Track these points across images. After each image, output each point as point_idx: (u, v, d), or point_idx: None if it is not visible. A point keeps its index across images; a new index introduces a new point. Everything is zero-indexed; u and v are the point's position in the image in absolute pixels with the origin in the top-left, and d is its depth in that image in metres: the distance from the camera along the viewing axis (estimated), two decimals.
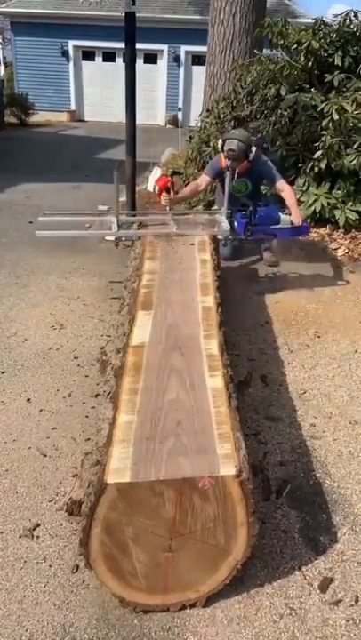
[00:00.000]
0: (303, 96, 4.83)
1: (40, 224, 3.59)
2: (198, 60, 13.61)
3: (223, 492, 1.45)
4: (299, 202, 5.07)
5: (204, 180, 4.02)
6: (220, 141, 3.78)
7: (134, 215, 3.98)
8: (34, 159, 9.12)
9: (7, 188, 6.83)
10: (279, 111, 5.05)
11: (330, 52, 5.07)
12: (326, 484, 2.16)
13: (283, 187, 3.92)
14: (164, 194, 3.61)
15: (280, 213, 3.76)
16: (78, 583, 1.72)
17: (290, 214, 3.80)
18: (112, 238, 3.48)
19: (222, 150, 3.69)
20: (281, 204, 4.02)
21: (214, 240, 3.56)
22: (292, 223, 3.75)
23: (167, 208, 3.64)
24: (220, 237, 3.50)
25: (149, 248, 3.15)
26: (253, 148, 3.68)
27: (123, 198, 5.61)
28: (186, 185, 5.11)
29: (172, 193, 3.61)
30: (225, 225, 3.49)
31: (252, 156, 3.68)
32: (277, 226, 3.76)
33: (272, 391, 2.74)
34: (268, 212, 3.73)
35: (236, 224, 3.56)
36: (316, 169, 4.82)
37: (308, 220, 4.48)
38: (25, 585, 1.72)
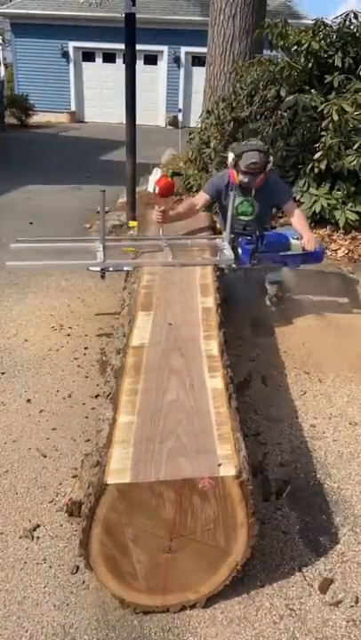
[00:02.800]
0: (303, 97, 4.83)
1: (12, 253, 3.14)
2: (198, 60, 13.62)
3: (223, 493, 1.45)
4: (298, 202, 5.09)
5: (202, 198, 3.47)
6: (231, 155, 3.26)
7: (123, 240, 3.45)
8: (34, 160, 9.13)
9: (7, 189, 6.83)
10: (279, 112, 5.05)
11: (330, 53, 5.07)
12: (326, 484, 2.16)
13: (293, 208, 3.43)
14: (156, 208, 3.20)
15: (290, 238, 3.23)
16: (78, 584, 1.72)
17: (300, 239, 3.31)
18: (97, 268, 2.92)
19: (235, 165, 3.22)
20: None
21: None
22: (303, 249, 3.25)
23: (160, 231, 3.17)
24: (222, 266, 3.02)
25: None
26: (271, 159, 3.27)
27: (123, 199, 5.63)
28: (176, 196, 4.92)
29: (164, 207, 3.20)
30: (228, 252, 3.02)
31: (269, 166, 3.24)
32: (288, 253, 3.23)
33: None
34: (277, 238, 3.23)
35: (240, 251, 3.10)
36: (316, 170, 4.82)
37: (322, 246, 3.82)
38: (25, 586, 1.72)
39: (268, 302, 3.56)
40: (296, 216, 3.39)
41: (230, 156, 3.27)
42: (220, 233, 3.36)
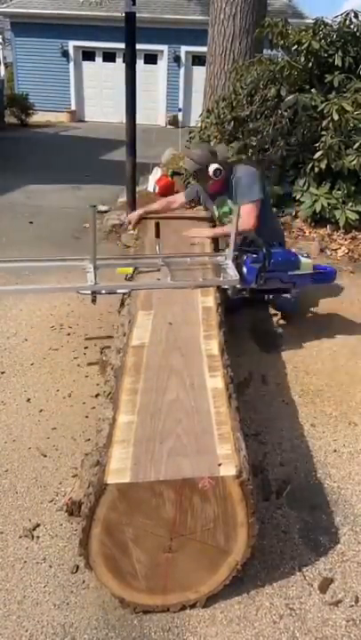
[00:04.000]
0: (303, 96, 4.83)
1: None
2: (199, 60, 13.61)
3: (223, 493, 1.45)
4: (298, 202, 5.09)
5: (179, 198, 3.56)
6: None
7: (116, 259, 3.12)
8: (34, 160, 9.12)
9: (7, 188, 6.83)
10: (279, 111, 5.05)
11: (330, 52, 5.07)
12: (326, 484, 2.16)
13: (242, 211, 2.81)
14: (129, 218, 3.14)
15: (300, 256, 2.97)
16: (78, 583, 1.72)
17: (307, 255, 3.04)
18: (88, 292, 2.66)
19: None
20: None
21: (215, 242, 3.22)
22: (314, 268, 3.01)
23: (157, 247, 2.84)
24: (225, 287, 2.76)
25: (149, 250, 3.14)
26: (212, 167, 3.04)
27: (123, 198, 5.63)
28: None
29: (140, 210, 3.20)
30: (232, 272, 2.74)
31: (216, 174, 3.05)
32: (297, 272, 2.94)
33: None
34: (285, 256, 2.94)
35: (245, 270, 2.79)
36: (316, 169, 4.81)
37: (334, 267, 3.34)
38: (25, 585, 1.72)
39: (276, 322, 3.36)
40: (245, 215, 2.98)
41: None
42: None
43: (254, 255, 2.81)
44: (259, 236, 2.96)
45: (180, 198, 3.55)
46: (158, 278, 2.69)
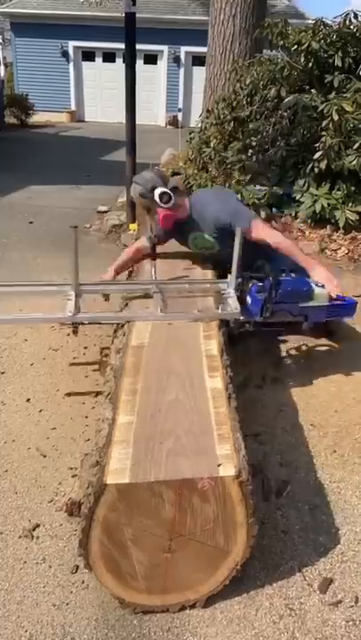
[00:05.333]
0: (303, 97, 4.84)
1: None
2: (198, 60, 13.62)
3: (223, 493, 1.45)
4: (298, 203, 5.07)
5: (141, 243, 2.86)
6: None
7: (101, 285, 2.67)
8: (34, 160, 9.12)
9: (7, 189, 6.83)
10: (279, 112, 5.05)
11: (330, 52, 5.07)
12: (326, 484, 2.16)
13: (263, 234, 2.58)
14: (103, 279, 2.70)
15: (312, 285, 2.57)
16: (78, 584, 1.72)
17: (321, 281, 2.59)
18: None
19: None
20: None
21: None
22: (330, 298, 2.58)
23: (152, 271, 2.54)
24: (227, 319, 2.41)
25: None
26: (157, 191, 2.54)
27: (122, 199, 5.63)
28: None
29: (110, 270, 2.76)
30: (233, 302, 2.39)
31: (163, 197, 2.55)
32: (310, 304, 2.56)
33: None
34: (296, 285, 2.53)
35: (249, 300, 2.47)
36: (316, 169, 4.81)
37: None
38: (24, 585, 1.72)
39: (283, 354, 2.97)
40: (275, 245, 2.60)
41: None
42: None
43: (260, 283, 2.48)
44: (267, 260, 2.59)
45: (142, 243, 2.84)
46: (148, 306, 2.38)
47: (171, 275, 2.65)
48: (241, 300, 2.43)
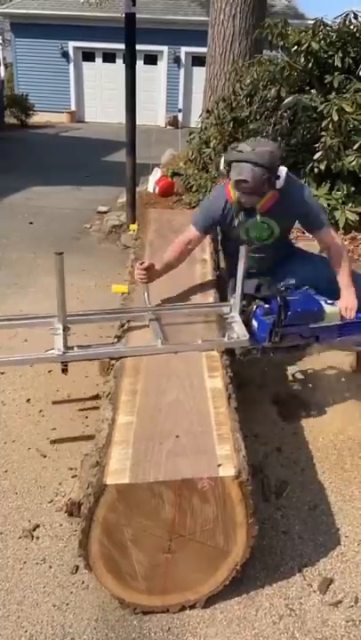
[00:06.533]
0: (303, 97, 4.83)
1: None
2: (198, 61, 13.60)
3: (222, 493, 1.45)
4: None
5: (192, 234, 2.39)
6: (222, 161, 2.22)
7: (91, 315, 2.34)
8: (34, 161, 9.12)
9: (7, 189, 6.83)
10: (279, 112, 5.05)
11: (330, 53, 5.07)
12: (326, 484, 2.16)
13: (330, 240, 2.35)
14: (137, 265, 2.25)
15: (323, 303, 2.30)
16: (78, 584, 1.73)
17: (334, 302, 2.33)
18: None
19: (228, 174, 2.19)
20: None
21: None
22: (342, 318, 2.32)
23: (145, 295, 2.24)
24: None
25: (149, 250, 3.14)
26: (283, 170, 2.14)
27: (122, 199, 5.64)
28: (176, 196, 4.31)
29: (146, 263, 2.22)
30: (239, 328, 2.15)
31: (280, 183, 2.14)
32: (322, 324, 2.31)
33: None
34: (306, 304, 2.27)
35: (255, 324, 2.22)
36: (316, 170, 4.81)
37: None
38: (24, 586, 1.72)
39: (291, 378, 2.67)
40: (332, 255, 2.36)
41: (222, 162, 2.23)
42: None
43: (266, 305, 2.23)
44: (274, 278, 2.36)
45: (191, 233, 2.41)
46: (145, 336, 2.09)
47: (167, 300, 2.34)
48: (245, 323, 2.20)
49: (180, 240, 2.40)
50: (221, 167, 2.23)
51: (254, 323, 2.23)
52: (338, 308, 2.31)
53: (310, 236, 2.52)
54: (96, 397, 2.58)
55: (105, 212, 5.85)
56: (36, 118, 14.36)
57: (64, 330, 2.09)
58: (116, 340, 2.16)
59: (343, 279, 2.33)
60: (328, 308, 2.29)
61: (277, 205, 2.26)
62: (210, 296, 2.44)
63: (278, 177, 2.12)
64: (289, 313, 2.19)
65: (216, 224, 2.43)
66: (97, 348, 2.14)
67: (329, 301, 2.32)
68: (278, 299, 2.18)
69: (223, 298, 2.44)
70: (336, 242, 2.37)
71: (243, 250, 2.12)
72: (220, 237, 2.71)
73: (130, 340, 2.12)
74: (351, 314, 2.29)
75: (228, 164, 2.14)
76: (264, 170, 2.05)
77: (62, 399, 2.68)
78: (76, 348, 2.09)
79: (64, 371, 2.10)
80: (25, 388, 2.72)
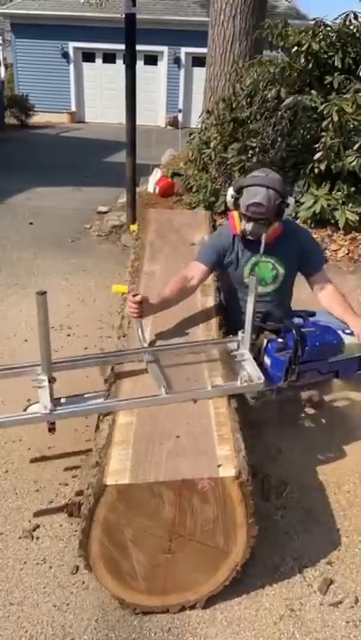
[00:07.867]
0: (303, 98, 4.84)
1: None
2: (199, 61, 13.60)
3: (223, 494, 1.45)
4: (298, 203, 5.07)
5: (197, 269, 2.22)
6: (230, 191, 2.14)
7: (79, 361, 1.98)
8: (34, 161, 9.11)
9: (7, 190, 6.83)
10: (279, 113, 5.05)
11: (330, 53, 5.08)
12: (327, 484, 2.16)
13: (324, 279, 2.26)
14: (129, 297, 1.97)
15: (341, 333, 2.09)
16: (78, 584, 1.72)
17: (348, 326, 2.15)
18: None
19: (234, 205, 2.13)
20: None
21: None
22: None
23: (139, 331, 1.97)
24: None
25: (149, 251, 3.14)
26: (291, 200, 2.11)
27: (122, 200, 5.64)
28: (176, 196, 4.20)
29: (139, 296, 1.92)
30: (252, 369, 1.89)
31: (289, 210, 2.11)
32: (341, 357, 2.10)
33: None
34: (324, 338, 2.03)
35: (268, 361, 1.99)
36: (316, 170, 4.82)
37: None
38: (25, 586, 1.72)
39: (304, 402, 2.50)
40: (330, 292, 2.23)
41: (229, 192, 2.15)
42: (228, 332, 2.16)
43: (280, 340, 1.99)
44: (285, 311, 2.21)
45: (195, 270, 2.22)
46: (144, 396, 1.75)
47: (165, 335, 2.09)
48: (256, 361, 1.94)
49: (180, 274, 2.20)
50: (228, 197, 2.15)
51: (267, 360, 1.99)
52: (356, 339, 2.08)
53: None
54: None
55: (105, 213, 5.85)
56: (37, 119, 14.36)
57: (49, 381, 1.74)
58: (108, 387, 1.87)
59: (348, 310, 2.19)
60: (348, 339, 2.08)
61: (282, 238, 2.19)
62: (213, 327, 2.18)
63: (288, 205, 2.08)
64: (307, 348, 1.94)
65: (221, 259, 2.25)
66: (88, 405, 1.79)
67: (347, 331, 2.12)
68: (294, 332, 1.93)
69: (228, 330, 2.19)
70: (329, 279, 2.28)
71: (253, 280, 1.89)
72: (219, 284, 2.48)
73: (126, 385, 1.84)
74: None
75: (239, 190, 2.08)
76: (278, 195, 2.02)
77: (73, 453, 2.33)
78: (63, 400, 1.77)
79: (51, 430, 1.79)
80: (25, 388, 2.71)
